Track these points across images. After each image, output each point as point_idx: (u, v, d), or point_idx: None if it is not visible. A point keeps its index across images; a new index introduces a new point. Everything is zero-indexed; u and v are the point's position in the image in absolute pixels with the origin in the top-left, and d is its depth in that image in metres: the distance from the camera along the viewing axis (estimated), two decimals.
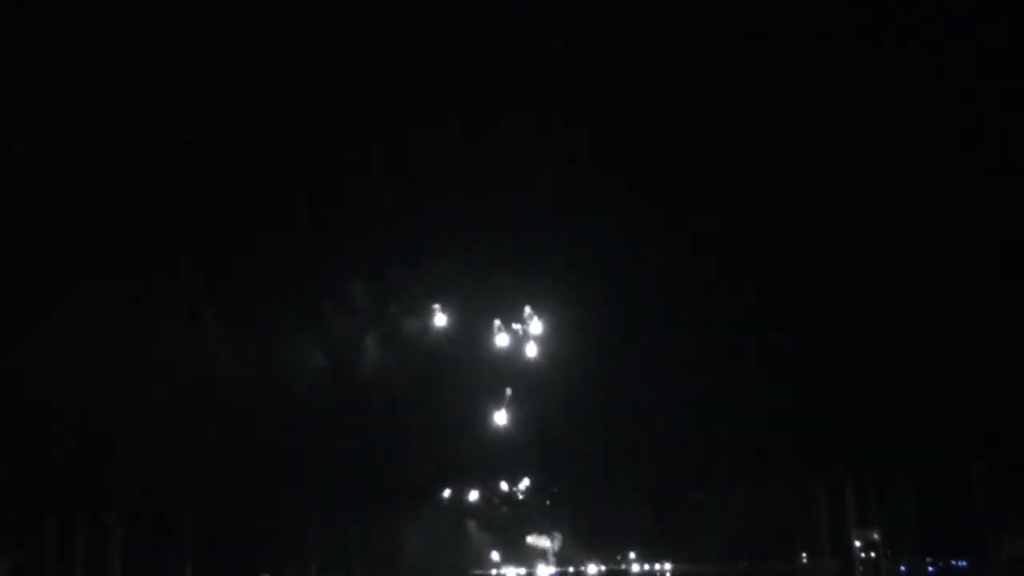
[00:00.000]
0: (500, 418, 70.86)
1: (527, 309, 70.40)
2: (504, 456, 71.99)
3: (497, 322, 70.57)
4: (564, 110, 65.36)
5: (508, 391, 70.26)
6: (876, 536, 64.65)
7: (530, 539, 76.92)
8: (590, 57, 65.20)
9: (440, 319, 70.83)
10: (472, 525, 76.05)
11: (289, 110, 66.74)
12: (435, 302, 70.47)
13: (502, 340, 71.23)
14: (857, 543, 64.62)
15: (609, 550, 75.45)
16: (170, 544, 64.98)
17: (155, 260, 65.24)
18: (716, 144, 65.54)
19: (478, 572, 73.99)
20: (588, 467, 73.50)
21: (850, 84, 62.53)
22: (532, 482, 76.92)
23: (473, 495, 75.78)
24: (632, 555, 74.95)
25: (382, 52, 66.84)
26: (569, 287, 67.45)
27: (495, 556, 75.34)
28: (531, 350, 70.86)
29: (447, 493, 74.55)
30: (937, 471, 63.72)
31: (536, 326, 70.98)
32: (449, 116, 67.13)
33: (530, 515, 76.60)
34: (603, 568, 74.77)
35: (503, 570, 74.90)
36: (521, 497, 77.65)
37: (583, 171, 66.38)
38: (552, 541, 76.73)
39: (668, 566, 72.94)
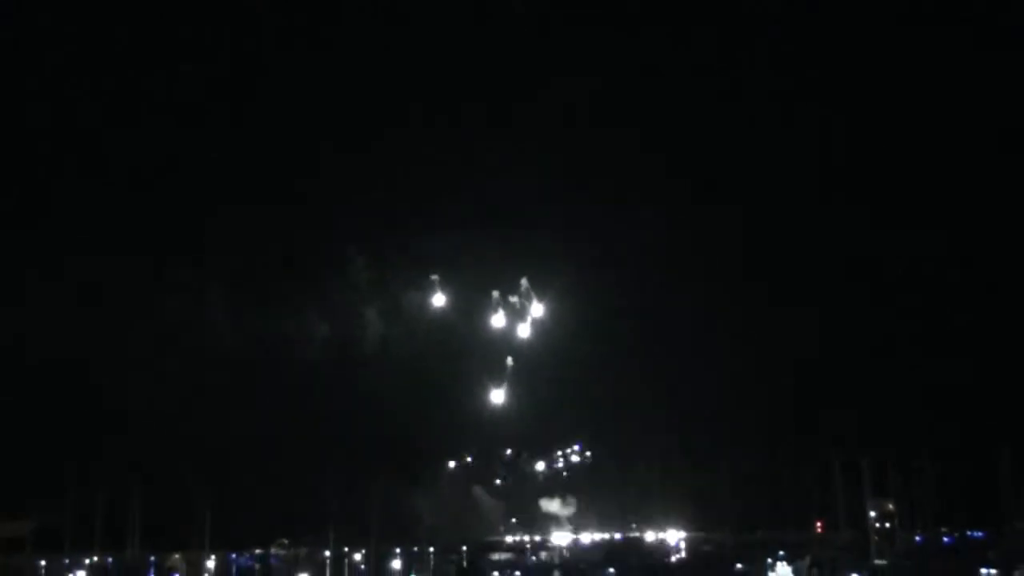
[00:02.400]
0: (502, 389, 71.14)
1: (523, 282, 70.42)
2: (506, 426, 72.43)
3: (495, 294, 70.66)
4: (572, 88, 65.09)
5: (509, 361, 70.38)
6: (891, 507, 64.50)
7: (543, 505, 77.50)
8: (598, 35, 64.77)
9: (442, 293, 71.10)
10: (481, 492, 76.63)
11: (290, 85, 66.80)
12: (436, 275, 70.73)
13: (501, 314, 71.46)
14: (872, 514, 64.43)
15: (624, 518, 75.93)
16: (189, 509, 65.93)
17: (165, 239, 66.43)
18: (736, 119, 64.99)
19: (494, 539, 74.58)
20: (602, 438, 74.27)
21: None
22: (536, 451, 77.94)
23: (479, 464, 76.69)
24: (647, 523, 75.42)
25: (386, 28, 66.68)
26: (573, 263, 67.44)
27: (509, 523, 76.22)
28: (530, 324, 71.09)
29: (454, 462, 75.34)
30: (954, 444, 63.46)
31: (537, 306, 71.17)
32: (452, 92, 67.09)
33: (536, 483, 77.30)
34: (618, 536, 75.28)
35: (517, 536, 75.51)
36: (526, 466, 78.49)
37: (585, 149, 66.29)
38: (565, 507, 77.23)
39: (683, 534, 73.13)
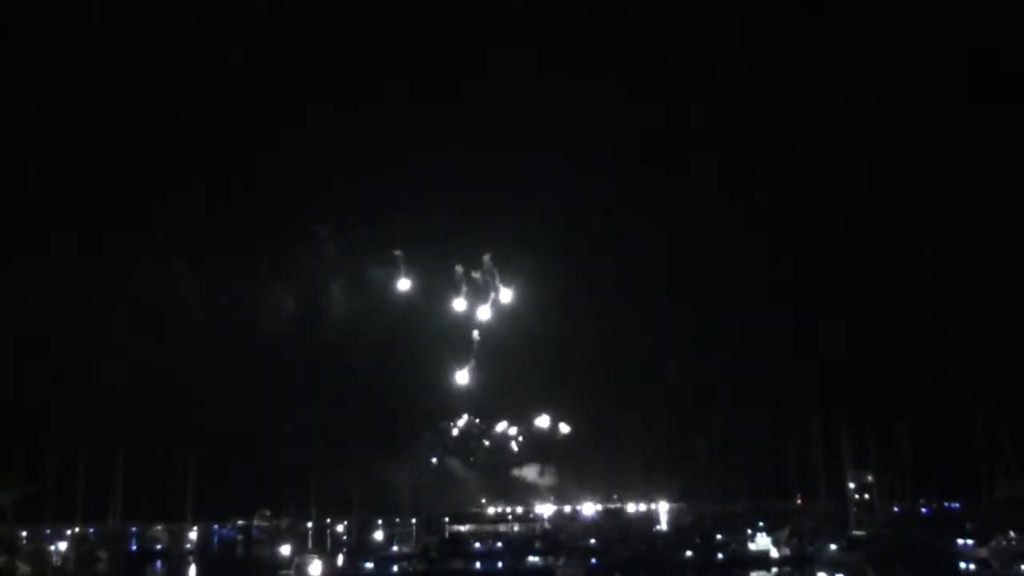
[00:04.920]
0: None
1: (486, 259, 70.65)
2: (474, 398, 72.88)
3: (459, 269, 70.90)
4: (536, 58, 65.38)
5: (476, 335, 70.69)
6: (871, 478, 64.85)
7: (521, 475, 77.73)
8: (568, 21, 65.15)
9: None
10: (456, 464, 76.99)
11: (257, 63, 67.01)
12: (402, 251, 71.18)
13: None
14: (852, 485, 64.80)
15: (606, 489, 76.18)
16: (172, 480, 65.99)
17: (137, 212, 66.89)
18: (708, 81, 65.28)
19: (475, 510, 74.70)
20: (581, 410, 74.62)
21: None
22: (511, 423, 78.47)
23: (448, 437, 77.35)
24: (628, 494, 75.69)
25: (353, 11, 66.92)
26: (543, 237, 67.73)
27: (487, 493, 76.39)
28: (499, 300, 71.52)
29: (427, 435, 75.77)
30: (932, 416, 63.82)
31: (504, 280, 71.52)
32: (417, 67, 67.30)
33: (512, 454, 77.69)
34: (599, 507, 75.42)
35: (498, 507, 75.65)
36: (498, 437, 78.90)
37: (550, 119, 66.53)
38: (544, 477, 77.42)
39: (664, 505, 73.32)
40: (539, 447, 78.69)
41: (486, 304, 70.59)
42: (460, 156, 66.72)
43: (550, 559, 54.21)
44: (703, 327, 69.01)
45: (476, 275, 70.03)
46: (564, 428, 78.28)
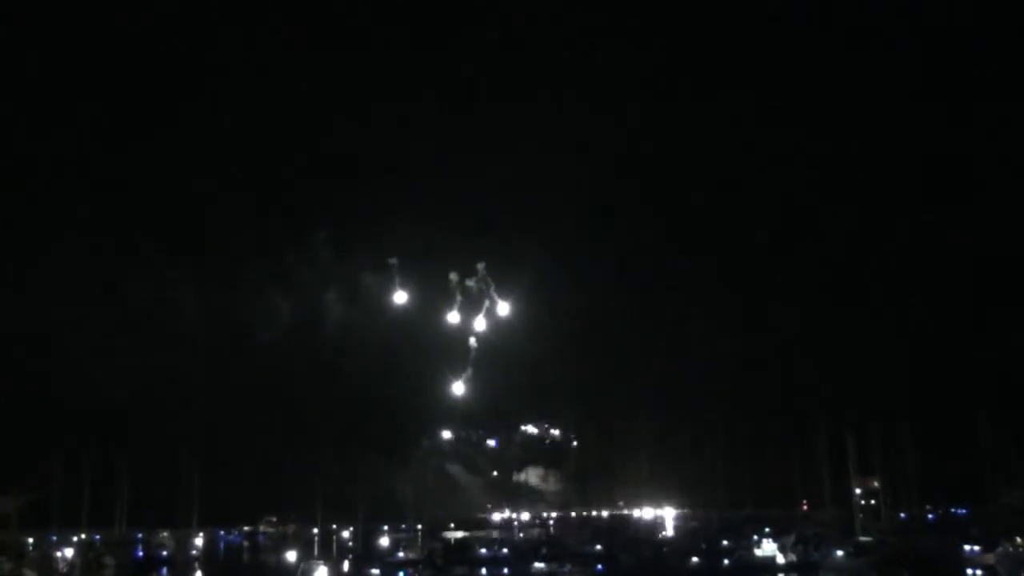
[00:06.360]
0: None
1: (480, 267, 70.77)
2: (477, 405, 72.95)
3: (453, 277, 71.02)
4: (534, 64, 65.81)
5: (472, 342, 70.75)
6: (876, 484, 64.88)
7: (524, 481, 77.71)
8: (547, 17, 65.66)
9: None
10: (457, 470, 77.01)
11: (257, 75, 67.43)
12: (400, 261, 71.51)
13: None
14: (858, 491, 64.78)
15: (611, 495, 76.11)
16: (177, 486, 66.07)
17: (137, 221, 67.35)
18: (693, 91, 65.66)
19: (480, 516, 74.65)
20: (588, 417, 74.65)
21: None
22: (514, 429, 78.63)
23: (449, 444, 77.65)
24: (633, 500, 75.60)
25: (351, 24, 67.43)
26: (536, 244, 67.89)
27: (491, 499, 76.41)
28: (502, 308, 71.74)
29: (429, 441, 75.96)
30: (938, 422, 63.74)
31: (504, 289, 71.71)
32: (413, 80, 67.72)
33: (516, 459, 77.68)
34: (604, 513, 75.34)
35: (503, 513, 75.65)
36: (494, 444, 79.01)
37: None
38: (548, 483, 77.41)
39: (671, 511, 73.25)
40: (544, 453, 78.74)
41: (483, 312, 70.48)
42: (458, 160, 66.70)
43: (555, 565, 54.20)
44: (705, 332, 68.96)
45: (471, 284, 69.98)
46: (569, 434, 78.29)
